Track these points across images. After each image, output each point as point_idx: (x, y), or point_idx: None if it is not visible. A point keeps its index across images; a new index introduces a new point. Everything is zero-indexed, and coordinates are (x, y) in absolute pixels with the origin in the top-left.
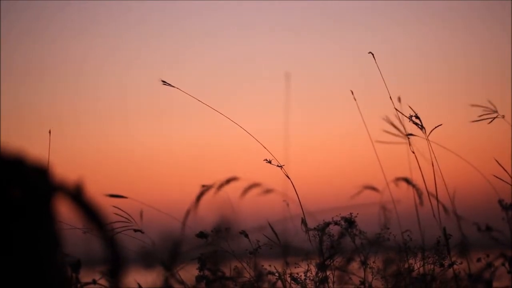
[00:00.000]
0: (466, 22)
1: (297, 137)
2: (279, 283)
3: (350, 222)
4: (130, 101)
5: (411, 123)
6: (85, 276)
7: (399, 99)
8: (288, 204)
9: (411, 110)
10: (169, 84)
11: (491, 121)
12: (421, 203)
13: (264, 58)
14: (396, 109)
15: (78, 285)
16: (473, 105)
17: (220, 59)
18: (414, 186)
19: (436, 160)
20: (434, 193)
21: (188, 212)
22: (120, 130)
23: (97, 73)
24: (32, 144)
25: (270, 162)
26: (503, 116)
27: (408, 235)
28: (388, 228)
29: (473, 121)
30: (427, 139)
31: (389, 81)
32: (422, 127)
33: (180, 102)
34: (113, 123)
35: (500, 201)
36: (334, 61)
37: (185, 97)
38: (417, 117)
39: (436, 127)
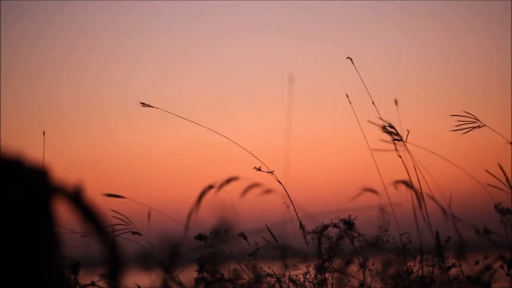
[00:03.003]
0: (464, 22)
1: (297, 139)
2: (278, 285)
3: (349, 224)
4: (129, 102)
5: (389, 132)
6: (84, 278)
7: (395, 102)
8: (288, 206)
9: (398, 113)
10: (149, 105)
11: (469, 130)
12: (420, 205)
13: (264, 60)
14: (370, 121)
15: (77, 287)
16: (452, 115)
17: (220, 61)
18: (413, 188)
19: (417, 165)
20: (421, 196)
21: (190, 213)
22: (119, 131)
23: (96, 74)
24: (31, 145)
25: (259, 169)
26: (483, 125)
27: (407, 237)
28: (387, 230)
29: (452, 130)
30: (404, 143)
31: (387, 82)
32: (397, 134)
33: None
34: (112, 123)
35: (496, 206)
36: (333, 64)
37: (180, 102)
38: (391, 126)
39: (408, 135)
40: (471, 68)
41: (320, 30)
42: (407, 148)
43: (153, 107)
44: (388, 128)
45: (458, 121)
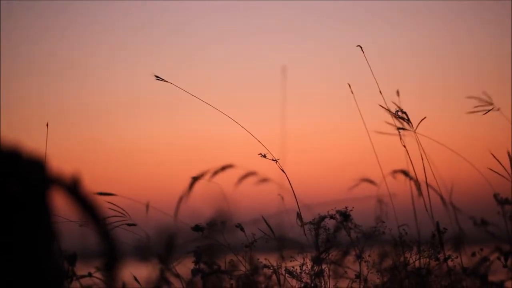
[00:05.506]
0: (464, 19)
1: (294, 130)
2: (275, 276)
3: (345, 215)
4: (127, 96)
5: (400, 117)
6: (80, 269)
7: (397, 93)
8: (282, 198)
9: (400, 104)
10: (162, 79)
11: (486, 112)
12: (419, 195)
13: (261, 53)
14: (381, 106)
15: (74, 278)
16: (469, 97)
17: (218, 56)
18: (412, 178)
19: (425, 154)
20: (426, 186)
21: (180, 199)
22: (118, 124)
23: (94, 69)
24: (30, 138)
25: (265, 156)
26: (498, 109)
27: (403, 229)
28: (384, 222)
29: (468, 112)
30: (415, 133)
31: (386, 74)
32: (408, 121)
33: (176, 97)
34: (110, 117)
35: (495, 195)
36: (330, 56)
37: (180, 92)
38: (403, 112)
39: (422, 120)
40: (467, 63)
41: (317, 27)
42: (417, 137)
43: (166, 81)
44: (400, 114)
45: (478, 102)
